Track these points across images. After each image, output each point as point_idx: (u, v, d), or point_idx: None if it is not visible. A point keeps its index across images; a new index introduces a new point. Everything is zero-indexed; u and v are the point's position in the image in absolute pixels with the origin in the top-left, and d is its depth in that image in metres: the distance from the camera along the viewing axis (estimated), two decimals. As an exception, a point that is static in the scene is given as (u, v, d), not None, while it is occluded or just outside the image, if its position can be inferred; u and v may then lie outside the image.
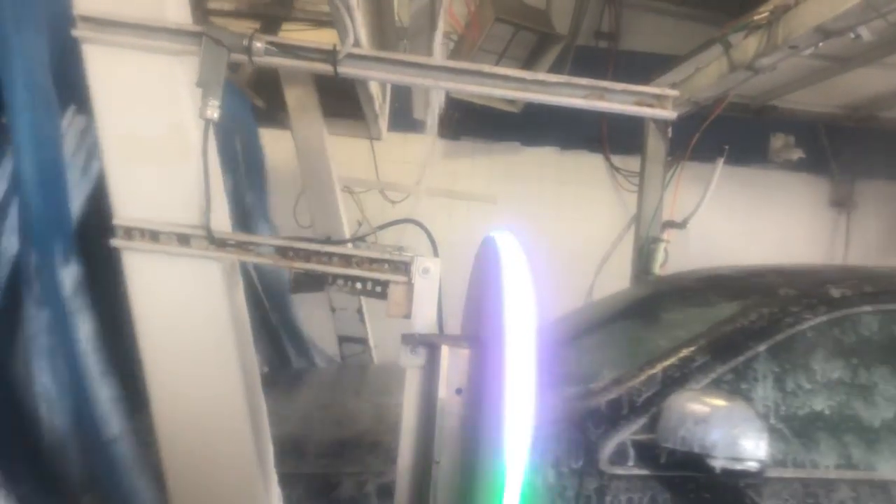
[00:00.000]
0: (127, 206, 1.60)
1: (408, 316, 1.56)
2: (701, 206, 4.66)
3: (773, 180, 6.03)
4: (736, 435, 1.94)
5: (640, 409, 2.15)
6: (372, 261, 1.61)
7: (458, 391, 1.40)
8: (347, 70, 1.67)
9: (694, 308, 2.87)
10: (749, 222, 5.94)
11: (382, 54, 1.75)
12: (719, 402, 2.01)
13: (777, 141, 5.71)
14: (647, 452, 2.10)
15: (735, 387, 2.22)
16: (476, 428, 1.38)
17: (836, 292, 2.41)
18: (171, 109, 1.59)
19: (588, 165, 5.93)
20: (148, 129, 1.58)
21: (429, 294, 1.55)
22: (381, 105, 4.02)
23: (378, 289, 1.65)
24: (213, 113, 1.54)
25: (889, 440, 2.26)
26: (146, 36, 1.55)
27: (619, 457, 2.11)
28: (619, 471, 2.10)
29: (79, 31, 1.54)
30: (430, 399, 1.45)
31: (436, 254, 1.63)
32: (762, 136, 5.75)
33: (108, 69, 1.57)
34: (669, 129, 4.79)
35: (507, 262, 1.36)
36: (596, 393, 2.20)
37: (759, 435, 1.96)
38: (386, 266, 1.60)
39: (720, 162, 4.61)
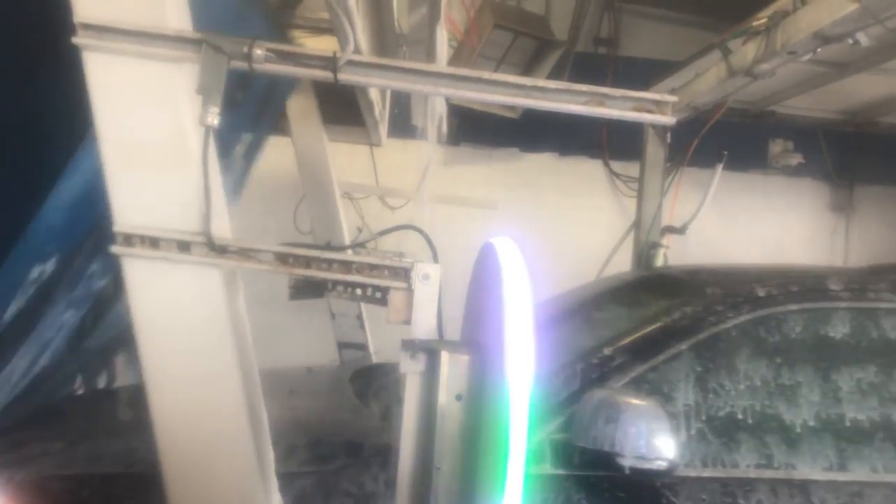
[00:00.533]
0: (127, 213, 1.60)
1: (408, 322, 1.56)
2: (700, 212, 4.67)
3: (773, 185, 6.04)
4: (644, 434, 1.94)
5: (558, 408, 2.15)
6: (372, 267, 1.61)
7: (458, 397, 1.40)
8: (347, 77, 1.68)
9: (623, 307, 2.87)
10: (748, 227, 5.94)
11: (382, 61, 1.75)
12: (630, 400, 2.01)
13: (776, 146, 5.72)
14: (563, 452, 2.10)
15: (656, 386, 2.22)
16: (476, 434, 1.38)
17: (761, 291, 2.41)
18: (172, 116, 1.59)
19: (587, 171, 5.94)
20: (148, 135, 1.58)
21: (429, 300, 1.56)
22: (381, 111, 4.02)
23: (378, 295, 1.65)
24: (213, 120, 1.55)
25: (810, 440, 2.25)
26: (146, 43, 1.55)
27: (536, 456, 2.10)
28: (535, 470, 2.09)
29: (79, 39, 1.54)
30: (430, 405, 1.45)
31: (435, 260, 1.63)
32: (761, 141, 5.77)
33: (108, 76, 1.57)
34: (668, 135, 4.79)
35: (507, 268, 1.36)
36: None
37: (667, 434, 1.96)
38: (386, 272, 1.60)
39: (719, 167, 4.61)
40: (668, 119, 1.74)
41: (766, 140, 5.78)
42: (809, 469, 2.23)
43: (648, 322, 2.37)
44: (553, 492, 2.08)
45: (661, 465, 1.96)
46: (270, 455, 1.82)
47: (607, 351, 2.27)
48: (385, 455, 2.04)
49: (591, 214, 5.87)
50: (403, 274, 1.59)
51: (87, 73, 1.56)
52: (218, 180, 1.66)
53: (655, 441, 1.94)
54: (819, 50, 3.17)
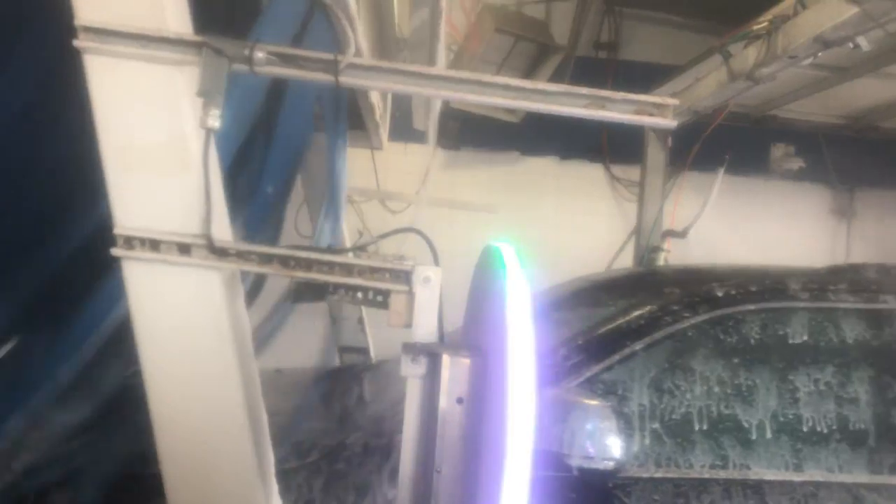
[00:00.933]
0: (128, 215, 1.59)
1: (409, 325, 1.56)
2: (701, 216, 4.67)
3: (774, 190, 6.04)
4: (591, 434, 1.93)
5: None
6: (373, 270, 1.61)
7: (459, 400, 1.40)
8: (349, 80, 1.68)
9: (584, 308, 2.86)
10: (750, 232, 5.94)
11: (383, 64, 1.75)
12: (578, 400, 2.00)
13: (777, 150, 5.73)
14: None
15: (610, 386, 2.21)
16: (477, 437, 1.38)
17: (719, 291, 2.39)
18: (173, 119, 1.59)
19: (588, 175, 5.94)
20: (149, 138, 1.58)
21: (430, 303, 1.55)
22: (382, 115, 4.03)
23: (379, 298, 1.65)
24: (214, 122, 1.55)
25: (765, 440, 2.25)
26: (147, 46, 1.55)
27: None
28: None
29: (80, 42, 1.54)
30: (430, 408, 1.45)
31: (437, 263, 1.62)
32: (762, 145, 5.77)
33: (109, 79, 1.57)
34: (669, 139, 4.81)
35: (509, 271, 1.36)
36: None
37: (615, 434, 1.95)
38: (387, 275, 1.60)
39: (721, 171, 4.62)
40: (670, 122, 1.73)
41: (767, 144, 5.79)
42: (764, 470, 2.22)
43: (606, 322, 2.36)
44: None
45: (608, 465, 1.96)
46: (271, 457, 1.81)
47: (563, 351, 2.26)
48: (334, 456, 2.03)
49: (592, 218, 5.88)
50: (404, 277, 1.58)
51: (88, 75, 1.57)
52: (218, 183, 1.66)
53: (603, 441, 1.94)
54: (820, 54, 3.18)
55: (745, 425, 2.25)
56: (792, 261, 5.91)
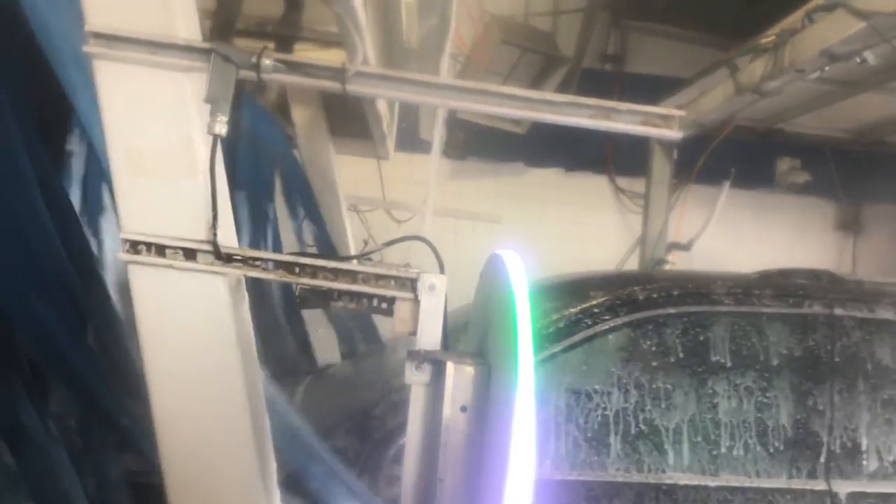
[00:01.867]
0: (134, 220, 1.60)
1: (413, 332, 1.56)
2: (707, 229, 4.67)
3: (780, 204, 6.02)
4: None
5: None
6: (378, 277, 1.61)
7: (463, 409, 1.39)
8: (356, 88, 1.68)
9: None
10: (755, 245, 5.92)
11: (390, 72, 1.76)
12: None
13: (783, 164, 5.72)
14: None
15: None
16: (481, 446, 1.37)
17: (641, 294, 2.36)
18: (180, 124, 1.60)
19: (593, 187, 5.94)
20: (156, 143, 1.59)
21: (435, 311, 1.55)
22: (389, 125, 4.04)
23: (384, 305, 1.64)
24: (221, 128, 1.55)
25: (681, 445, 2.23)
26: (156, 52, 1.56)
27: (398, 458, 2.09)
28: (397, 472, 2.08)
29: (90, 48, 1.55)
30: (434, 416, 1.45)
31: (442, 271, 1.62)
32: (768, 159, 5.76)
33: (117, 84, 1.58)
34: (675, 151, 4.81)
35: (514, 280, 1.36)
36: (378, 399, 2.20)
37: None
38: (392, 282, 1.60)
39: (726, 184, 4.61)
40: (675, 134, 1.73)
41: (773, 158, 5.77)
42: (679, 474, 2.21)
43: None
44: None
45: None
46: (273, 464, 1.81)
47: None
48: None
49: (596, 230, 5.87)
50: (410, 284, 1.58)
51: (96, 81, 1.57)
52: (225, 189, 1.67)
53: None
54: (827, 68, 3.19)
55: (662, 430, 2.23)
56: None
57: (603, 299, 2.35)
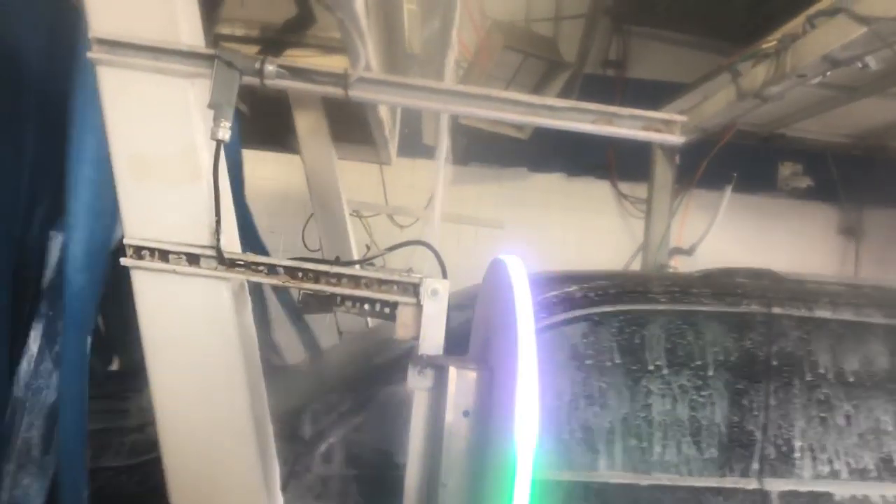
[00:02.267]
0: (137, 226, 1.61)
1: (416, 337, 1.56)
2: (709, 233, 4.66)
3: (782, 208, 6.02)
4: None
5: (358, 408, 2.14)
6: (381, 282, 1.61)
7: (466, 413, 1.40)
8: (358, 93, 1.69)
9: (454, 311, 2.84)
10: (757, 250, 5.92)
11: (393, 78, 1.76)
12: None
13: (785, 169, 5.72)
14: (354, 452, 2.10)
15: None
16: (483, 450, 1.37)
17: (577, 292, 2.33)
18: (183, 130, 1.60)
19: (595, 192, 5.95)
20: (160, 149, 1.60)
21: (437, 316, 1.55)
22: (391, 130, 4.05)
23: (387, 310, 1.65)
24: (225, 134, 1.56)
25: (612, 443, 2.21)
26: (159, 58, 1.57)
27: (328, 457, 2.09)
28: (324, 472, 2.08)
29: (94, 54, 1.56)
30: (437, 421, 1.45)
31: (444, 276, 1.63)
32: (770, 164, 5.77)
33: (121, 90, 1.58)
34: (677, 157, 4.80)
35: (516, 284, 1.36)
36: (322, 392, 2.21)
37: None
38: (395, 287, 1.60)
39: (728, 189, 4.61)
40: (677, 138, 1.74)
41: (775, 163, 5.78)
42: (609, 473, 2.19)
43: (465, 324, 2.36)
44: (343, 494, 2.08)
45: None
46: (276, 469, 1.81)
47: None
48: None
49: (598, 235, 5.88)
50: (412, 289, 1.58)
51: (100, 87, 1.58)
52: (228, 194, 1.67)
53: None
54: (828, 73, 3.18)
55: (593, 428, 2.21)
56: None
57: (539, 298, 2.30)
